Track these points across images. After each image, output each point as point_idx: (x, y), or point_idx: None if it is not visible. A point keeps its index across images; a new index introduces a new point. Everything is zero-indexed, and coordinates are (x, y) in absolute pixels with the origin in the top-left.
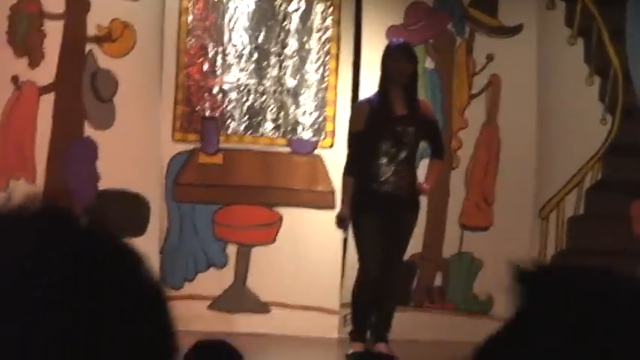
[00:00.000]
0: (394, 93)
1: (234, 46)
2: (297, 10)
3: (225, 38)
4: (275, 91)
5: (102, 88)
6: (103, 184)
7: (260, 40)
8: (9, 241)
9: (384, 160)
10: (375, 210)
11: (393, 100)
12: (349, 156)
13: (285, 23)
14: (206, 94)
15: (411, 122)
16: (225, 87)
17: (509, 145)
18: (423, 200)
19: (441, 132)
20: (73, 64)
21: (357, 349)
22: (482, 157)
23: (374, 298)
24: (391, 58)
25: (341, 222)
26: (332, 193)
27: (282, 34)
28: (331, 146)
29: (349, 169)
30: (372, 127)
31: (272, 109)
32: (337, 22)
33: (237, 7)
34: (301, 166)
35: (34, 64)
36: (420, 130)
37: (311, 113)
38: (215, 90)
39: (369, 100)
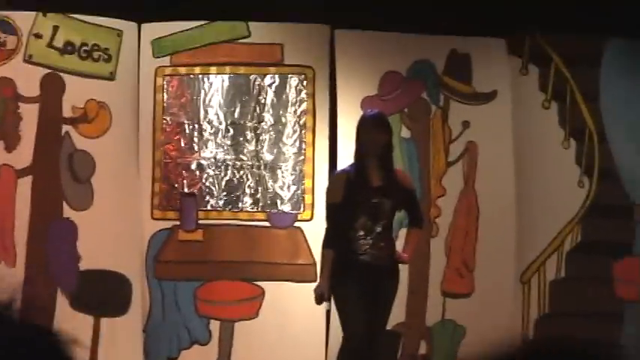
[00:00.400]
0: (370, 164)
1: (210, 122)
2: (271, 84)
3: (201, 115)
4: (252, 166)
5: (79, 169)
6: (84, 265)
7: (236, 115)
8: None
9: (361, 233)
10: (355, 280)
11: (369, 171)
12: (328, 228)
13: (260, 98)
14: (184, 171)
15: (388, 194)
16: (203, 163)
17: (488, 210)
18: (404, 269)
19: (420, 200)
20: (50, 146)
21: None
22: (461, 224)
23: None
24: (365, 129)
25: (319, 297)
26: (313, 265)
27: (258, 109)
28: (311, 219)
29: (328, 242)
30: (349, 198)
31: (250, 184)
32: (312, 95)
33: (211, 83)
34: (281, 240)
35: (10, 147)
36: (397, 201)
37: (289, 186)
38: (193, 166)
39: (345, 171)
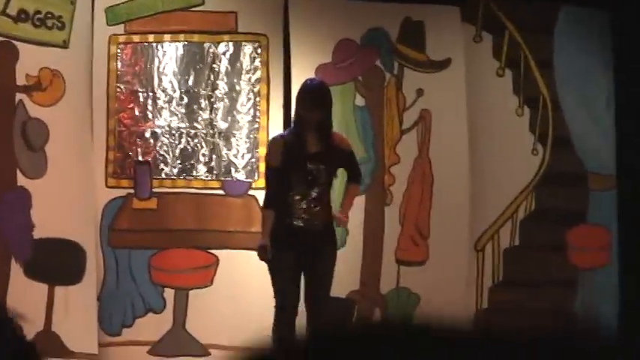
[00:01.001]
0: (307, 131)
1: (164, 90)
2: (225, 52)
3: (155, 83)
4: (207, 134)
5: (33, 137)
6: (38, 233)
7: (190, 83)
8: None
9: (297, 197)
10: (289, 246)
11: (307, 138)
12: (268, 190)
13: (214, 65)
14: (138, 140)
15: (324, 160)
16: (157, 131)
17: (442, 178)
18: (358, 237)
19: (373, 169)
20: (3, 114)
21: None
22: (415, 192)
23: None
24: (302, 101)
25: (262, 252)
26: None
27: (212, 77)
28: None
29: (268, 202)
30: (285, 163)
31: (204, 152)
32: (266, 63)
33: (165, 51)
34: (236, 208)
35: None
36: (334, 165)
37: (244, 155)
38: (147, 135)
39: (282, 136)
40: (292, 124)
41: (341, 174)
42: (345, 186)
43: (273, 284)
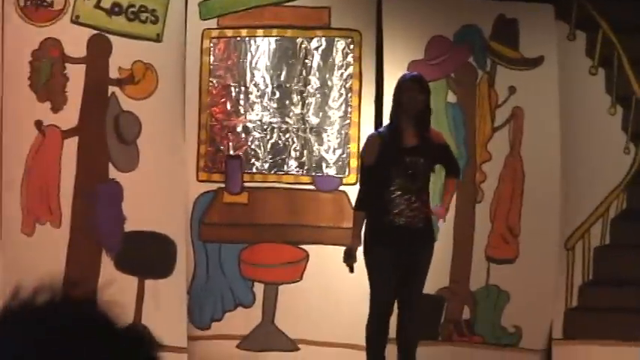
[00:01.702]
0: (405, 125)
1: (257, 85)
2: (318, 47)
3: (248, 77)
4: (298, 129)
5: (125, 131)
6: (129, 226)
7: (282, 78)
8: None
9: (397, 193)
10: (389, 244)
11: (404, 132)
12: (361, 190)
13: (306, 61)
14: (229, 134)
15: (422, 153)
16: (249, 126)
17: (534, 176)
18: (449, 234)
19: (464, 167)
20: (96, 107)
21: None
22: (506, 190)
23: (397, 334)
24: (403, 90)
25: (348, 257)
26: None
27: (304, 72)
28: (356, 182)
29: (360, 204)
30: (383, 159)
31: (296, 147)
32: (359, 59)
33: (258, 46)
34: (326, 204)
35: (56, 108)
36: (431, 159)
37: (335, 150)
38: (238, 129)
39: (379, 133)
40: (389, 120)
41: (438, 170)
42: (444, 180)
43: (371, 281)
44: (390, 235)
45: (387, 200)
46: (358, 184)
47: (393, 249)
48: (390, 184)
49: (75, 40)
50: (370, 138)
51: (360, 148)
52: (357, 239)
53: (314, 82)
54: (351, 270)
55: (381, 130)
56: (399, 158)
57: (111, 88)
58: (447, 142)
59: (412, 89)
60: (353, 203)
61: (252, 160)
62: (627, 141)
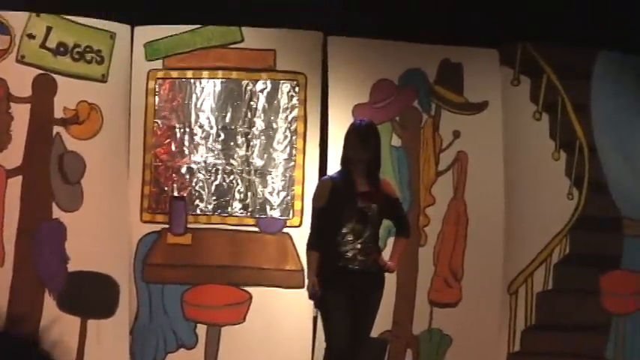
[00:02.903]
0: (356, 171)
1: (202, 126)
2: (263, 89)
3: (193, 118)
4: (242, 171)
5: (69, 170)
6: (73, 266)
7: (227, 120)
8: None
9: (349, 238)
10: (342, 287)
11: (355, 178)
12: (313, 231)
13: (251, 103)
14: (174, 175)
15: (374, 199)
16: (193, 167)
17: (477, 220)
18: (392, 277)
19: (409, 209)
20: (41, 146)
21: None
22: (450, 233)
23: None
24: (353, 139)
25: (312, 290)
26: (301, 271)
27: (249, 114)
28: (300, 225)
29: (313, 244)
30: (334, 203)
31: (240, 189)
32: (303, 102)
33: (203, 87)
34: (270, 245)
35: (1, 147)
36: (383, 208)
37: (279, 192)
38: (183, 170)
39: (331, 177)
40: (340, 165)
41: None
42: (395, 238)
43: (325, 325)
44: (342, 279)
45: (339, 244)
46: (310, 225)
47: (345, 293)
48: (341, 228)
49: (20, 80)
50: (322, 181)
51: (304, 191)
52: (313, 277)
53: (259, 124)
54: (316, 304)
55: (332, 174)
56: (352, 203)
57: (56, 128)
58: (396, 195)
59: (363, 136)
60: (296, 245)
61: (197, 202)
62: (570, 186)
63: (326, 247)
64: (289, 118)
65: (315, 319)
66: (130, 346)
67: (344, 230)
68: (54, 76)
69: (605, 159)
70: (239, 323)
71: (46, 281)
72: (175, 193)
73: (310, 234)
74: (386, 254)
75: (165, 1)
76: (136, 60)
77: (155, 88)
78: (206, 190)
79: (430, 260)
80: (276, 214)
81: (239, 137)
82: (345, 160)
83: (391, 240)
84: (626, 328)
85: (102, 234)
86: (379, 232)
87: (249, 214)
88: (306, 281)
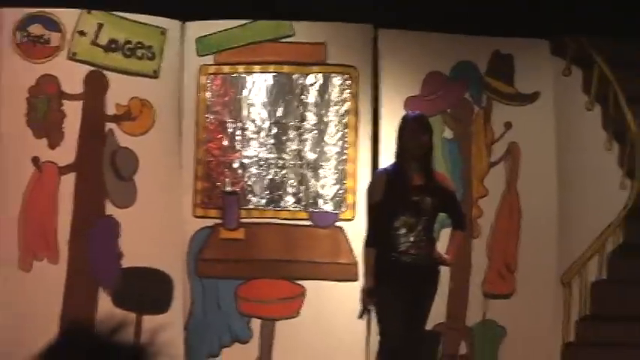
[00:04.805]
0: (410, 164)
1: (253, 120)
2: (314, 83)
3: (244, 113)
4: (295, 165)
5: (122, 167)
6: (126, 262)
7: (278, 114)
8: None
9: (402, 231)
10: (396, 281)
11: (410, 171)
12: (369, 227)
13: (302, 97)
14: (226, 170)
15: (428, 192)
16: (245, 162)
17: (530, 211)
18: (446, 270)
19: (461, 201)
20: (93, 143)
21: None
22: (503, 225)
23: None
24: (406, 131)
25: (366, 297)
26: (354, 265)
27: (301, 108)
28: (352, 218)
29: (370, 241)
30: (389, 197)
31: (292, 183)
32: (355, 95)
33: (254, 82)
34: (323, 239)
35: (53, 144)
36: (438, 201)
37: (331, 186)
38: (235, 165)
39: (386, 170)
40: (394, 159)
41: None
42: (451, 232)
43: (380, 321)
44: (396, 273)
45: (393, 237)
46: (366, 221)
47: (399, 287)
48: (395, 221)
49: (72, 77)
50: (377, 174)
51: (356, 184)
52: (371, 277)
53: (310, 118)
54: (362, 314)
55: (387, 167)
56: (406, 196)
57: (108, 125)
58: (453, 189)
59: (415, 129)
60: (349, 239)
61: (249, 196)
62: (623, 176)
63: (380, 240)
64: (341, 112)
65: (369, 311)
66: (184, 341)
67: (397, 223)
68: (105, 72)
69: None
70: (293, 317)
71: (101, 278)
72: (228, 188)
73: (367, 230)
74: (441, 248)
75: None
76: (188, 55)
77: (207, 84)
78: (258, 184)
79: (483, 252)
80: (328, 207)
81: (291, 131)
82: (398, 154)
83: (443, 232)
84: None
85: (155, 230)
86: (434, 224)
87: (301, 207)
88: (360, 275)
